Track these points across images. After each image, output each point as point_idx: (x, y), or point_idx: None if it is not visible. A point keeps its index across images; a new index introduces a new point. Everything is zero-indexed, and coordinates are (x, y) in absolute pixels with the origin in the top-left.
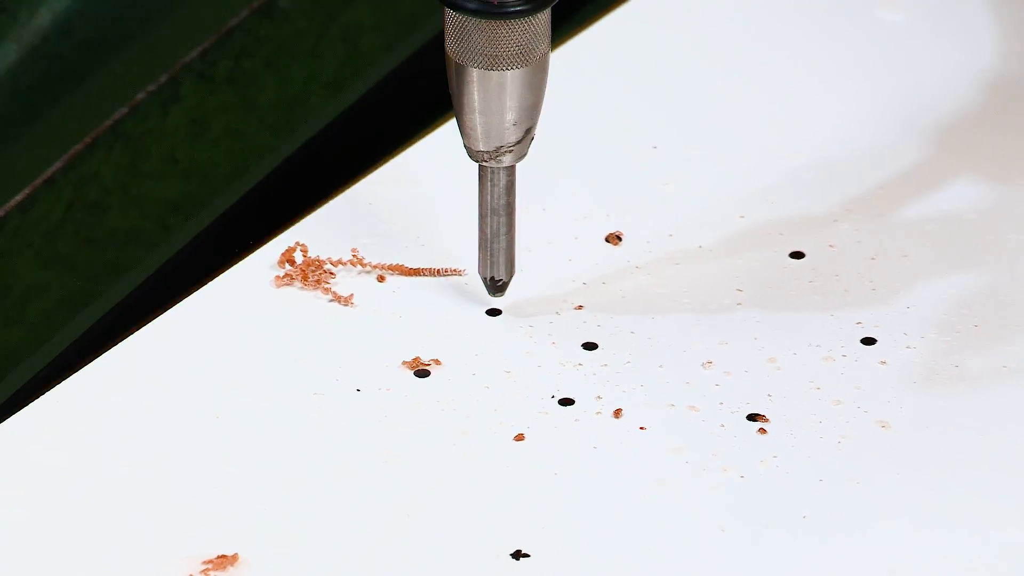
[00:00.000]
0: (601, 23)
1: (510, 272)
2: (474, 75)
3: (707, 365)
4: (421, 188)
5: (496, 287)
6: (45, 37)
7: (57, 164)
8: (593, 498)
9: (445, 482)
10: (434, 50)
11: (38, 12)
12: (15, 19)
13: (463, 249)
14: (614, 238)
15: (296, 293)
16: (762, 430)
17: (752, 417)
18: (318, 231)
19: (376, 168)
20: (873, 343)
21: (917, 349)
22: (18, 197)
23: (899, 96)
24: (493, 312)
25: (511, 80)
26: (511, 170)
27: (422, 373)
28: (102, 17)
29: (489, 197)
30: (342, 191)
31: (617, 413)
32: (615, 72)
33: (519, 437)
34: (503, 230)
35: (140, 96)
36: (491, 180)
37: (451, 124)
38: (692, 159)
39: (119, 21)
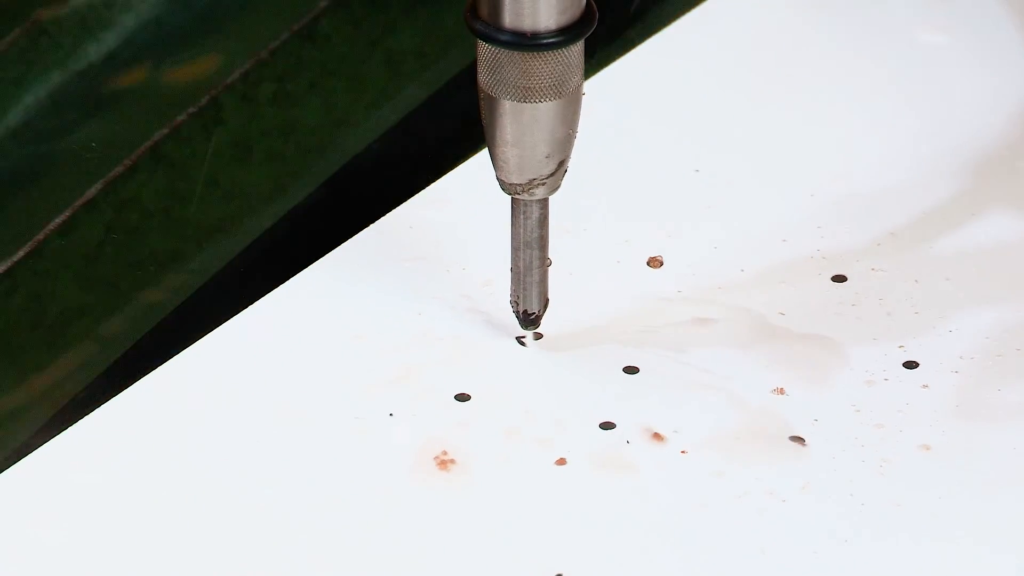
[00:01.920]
0: (645, 46)
1: (543, 305)
2: (507, 107)
3: (749, 389)
4: (463, 211)
5: (529, 320)
6: (90, 63)
7: (98, 186)
8: (634, 522)
9: (486, 506)
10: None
11: (82, 39)
12: (59, 46)
13: (506, 273)
14: (655, 262)
15: (335, 316)
16: (803, 453)
17: (794, 440)
18: (359, 254)
19: (419, 191)
20: (915, 367)
21: (960, 373)
22: (58, 220)
23: (941, 121)
24: (536, 336)
25: (544, 112)
26: (544, 203)
27: (463, 397)
28: (147, 43)
29: (522, 230)
30: (384, 214)
31: (658, 437)
32: (658, 95)
33: (560, 461)
34: (536, 264)
35: (181, 118)
36: (524, 213)
37: None
38: (734, 183)
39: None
